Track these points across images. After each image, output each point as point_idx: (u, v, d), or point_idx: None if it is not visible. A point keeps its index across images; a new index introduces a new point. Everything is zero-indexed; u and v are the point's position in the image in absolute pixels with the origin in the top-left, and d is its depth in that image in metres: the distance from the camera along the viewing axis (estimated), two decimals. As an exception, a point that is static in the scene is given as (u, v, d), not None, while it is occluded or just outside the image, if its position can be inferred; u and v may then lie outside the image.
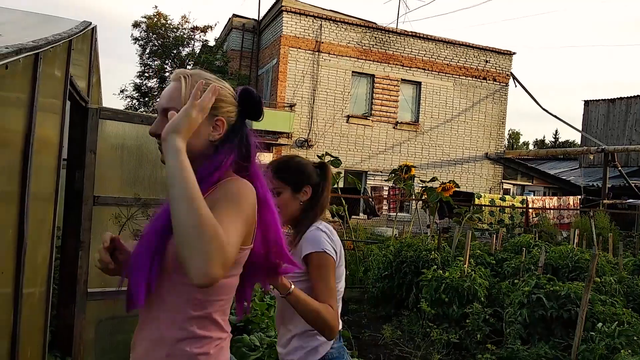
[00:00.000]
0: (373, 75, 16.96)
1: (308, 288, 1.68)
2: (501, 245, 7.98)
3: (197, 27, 20.50)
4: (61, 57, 2.41)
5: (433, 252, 6.04)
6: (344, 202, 8.11)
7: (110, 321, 3.30)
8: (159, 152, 1.18)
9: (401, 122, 17.31)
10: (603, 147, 16.07)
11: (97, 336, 3.32)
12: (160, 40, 20.06)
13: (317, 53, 16.23)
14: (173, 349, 1.17)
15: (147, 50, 20.34)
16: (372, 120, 16.95)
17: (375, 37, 16.97)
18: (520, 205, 14.48)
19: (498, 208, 14.19)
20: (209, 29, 20.73)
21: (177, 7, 58.09)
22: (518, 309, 4.67)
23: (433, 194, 8.31)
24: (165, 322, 1.18)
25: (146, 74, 20.72)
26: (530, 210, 14.41)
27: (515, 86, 18.76)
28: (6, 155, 1.76)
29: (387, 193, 14.96)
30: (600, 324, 4.10)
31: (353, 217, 11.02)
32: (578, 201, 15.57)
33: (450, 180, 8.64)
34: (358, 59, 16.74)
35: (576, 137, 43.78)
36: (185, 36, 20.18)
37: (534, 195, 17.44)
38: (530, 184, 19.19)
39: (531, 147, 47.66)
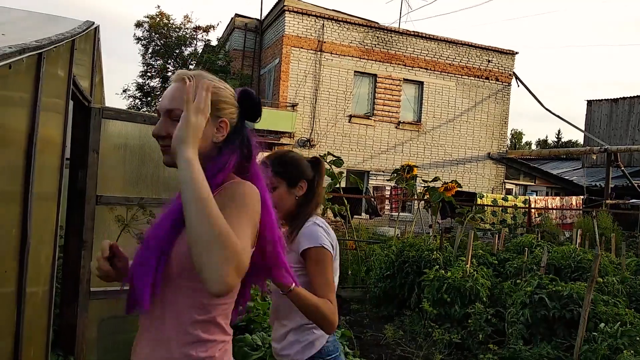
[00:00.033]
0: (375, 75, 16.96)
1: (306, 282, 1.69)
2: (503, 245, 7.97)
3: (199, 26, 20.55)
4: (64, 57, 2.42)
5: (435, 252, 6.03)
6: (346, 202, 8.10)
7: (113, 320, 3.31)
8: (161, 153, 1.18)
9: (403, 122, 17.30)
10: (606, 147, 16.03)
11: (100, 335, 3.33)
12: (162, 40, 20.10)
13: (319, 53, 16.23)
14: (178, 353, 1.17)
15: (150, 50, 20.39)
16: (375, 120, 16.94)
17: (378, 37, 16.96)
18: (522, 205, 14.45)
19: (500, 208, 14.17)
20: (212, 28, 20.78)
21: (180, 6, 58.17)
22: (520, 309, 4.67)
23: (435, 193, 8.30)
24: (169, 327, 1.18)
25: (149, 74, 20.77)
26: (532, 210, 14.38)
27: (518, 86, 18.74)
28: (10, 154, 1.77)
29: (389, 193, 14.96)
30: (602, 325, 4.09)
31: (355, 217, 11.02)
32: (581, 201, 15.55)
33: (453, 180, 8.63)
34: (360, 58, 16.73)
35: (579, 137, 43.76)
36: (187, 36, 20.21)
37: (537, 195, 17.41)
38: (533, 184, 19.16)
39: (534, 147, 47.60)
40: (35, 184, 1.94)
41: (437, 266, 5.61)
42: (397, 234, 8.91)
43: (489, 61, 18.28)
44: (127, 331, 3.11)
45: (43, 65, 1.90)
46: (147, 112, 15.76)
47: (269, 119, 15.21)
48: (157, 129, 1.21)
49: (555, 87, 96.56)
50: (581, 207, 14.90)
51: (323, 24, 16.27)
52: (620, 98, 21.05)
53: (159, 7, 27.40)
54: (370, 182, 16.58)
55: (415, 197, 9.84)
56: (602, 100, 21.81)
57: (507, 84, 18.56)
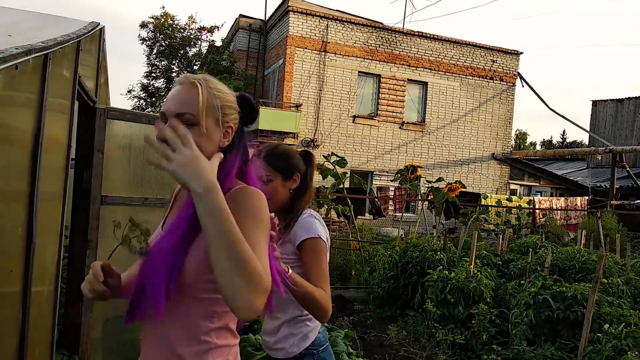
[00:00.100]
0: (379, 75, 16.95)
1: (301, 274, 1.70)
2: (507, 246, 7.95)
3: (204, 27, 20.60)
4: (70, 58, 2.43)
5: (439, 253, 6.02)
6: (349, 202, 8.11)
7: (118, 320, 3.32)
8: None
9: (407, 122, 17.28)
10: (611, 147, 15.96)
11: (104, 335, 3.35)
12: (167, 41, 20.16)
13: (323, 53, 16.23)
14: None
15: (155, 51, 20.45)
16: (378, 121, 16.93)
17: (382, 37, 16.95)
18: (527, 206, 14.41)
19: (504, 209, 14.13)
20: (216, 29, 20.84)
21: (184, 7, 58.29)
22: (524, 310, 4.66)
23: (439, 194, 8.29)
24: (182, 336, 1.18)
25: (153, 74, 20.83)
26: (537, 211, 14.33)
27: (523, 86, 18.68)
28: (16, 154, 1.78)
29: (393, 193, 14.95)
30: (607, 326, 4.07)
31: (359, 217, 11.02)
32: (585, 202, 15.48)
33: (457, 181, 8.61)
34: (364, 59, 16.72)
35: (584, 138, 43.53)
36: (192, 36, 20.27)
37: (541, 195, 17.35)
38: (537, 184, 19.10)
39: (538, 147, 47.41)
40: (41, 184, 1.95)
41: (441, 267, 5.60)
42: (401, 235, 8.91)
43: (493, 61, 18.24)
44: (131, 331, 3.12)
45: (49, 66, 1.92)
46: (151, 113, 15.79)
47: (273, 120, 15.23)
48: (165, 132, 1.18)
49: (559, 87, 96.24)
50: (586, 208, 14.84)
51: (327, 25, 16.28)
52: (625, 98, 20.95)
53: (163, 7, 27.51)
54: (374, 182, 16.57)
55: (419, 198, 9.83)
56: (607, 100, 21.72)
57: (511, 84, 18.51)
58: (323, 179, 7.90)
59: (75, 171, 3.21)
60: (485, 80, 18.16)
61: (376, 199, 13.91)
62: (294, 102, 16.00)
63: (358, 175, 10.98)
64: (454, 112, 17.82)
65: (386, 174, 16.47)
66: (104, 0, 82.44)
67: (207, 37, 20.73)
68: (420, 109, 17.61)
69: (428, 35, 17.40)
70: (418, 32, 17.38)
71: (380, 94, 16.96)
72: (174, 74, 20.05)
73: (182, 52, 20.29)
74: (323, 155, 7.88)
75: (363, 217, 13.30)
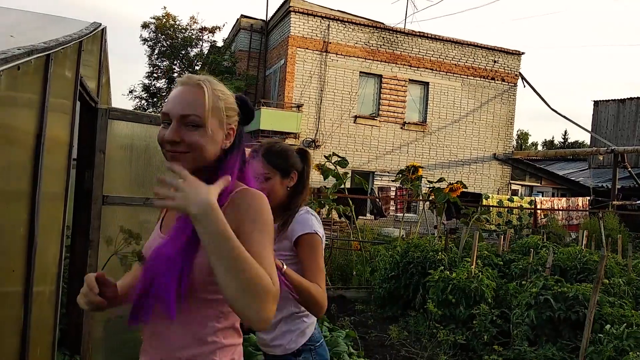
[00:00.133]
0: (380, 76, 16.95)
1: (297, 270, 1.71)
2: (509, 247, 7.94)
3: (205, 27, 20.64)
4: (72, 58, 2.43)
5: (440, 253, 6.02)
6: (350, 203, 8.10)
7: (119, 320, 3.32)
8: (169, 159, 1.19)
9: (409, 123, 17.28)
10: (613, 147, 15.94)
11: (106, 335, 3.35)
12: (168, 41, 20.18)
13: (324, 53, 16.24)
14: None
15: (156, 51, 20.48)
16: (380, 121, 16.93)
17: (383, 37, 16.95)
18: (528, 206, 14.40)
19: (506, 209, 14.11)
20: (217, 29, 20.87)
21: (186, 8, 58.37)
22: (525, 310, 4.65)
23: (440, 194, 8.29)
24: (190, 336, 1.18)
25: (155, 75, 20.87)
26: (538, 211, 14.32)
27: (524, 86, 18.68)
28: (18, 154, 1.78)
29: (394, 193, 14.95)
30: (608, 326, 4.07)
31: (360, 217, 11.02)
32: (587, 202, 15.46)
33: (458, 181, 8.61)
34: (365, 59, 16.72)
35: (585, 138, 43.50)
36: (193, 37, 20.29)
37: (543, 196, 17.34)
38: (539, 184, 19.08)
39: (540, 147, 47.37)
40: (43, 184, 1.96)
41: (442, 267, 5.60)
42: (402, 235, 8.90)
43: (494, 61, 18.23)
44: (132, 331, 3.13)
45: (51, 66, 1.92)
46: (153, 113, 15.82)
47: (274, 120, 15.25)
48: (171, 134, 1.16)
49: (561, 87, 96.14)
50: (587, 208, 14.82)
51: (328, 25, 16.28)
52: (627, 98, 20.92)
53: (165, 8, 27.55)
54: (375, 182, 16.57)
55: (421, 198, 9.82)
56: (609, 100, 21.69)
57: (513, 85, 18.49)
58: (324, 179, 7.90)
59: (77, 171, 3.22)
60: (486, 80, 18.15)
61: (377, 199, 13.91)
62: (295, 103, 16.00)
63: (359, 176, 10.99)
64: (455, 113, 17.82)
65: (387, 174, 16.47)
66: (105, 0, 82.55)
67: (208, 37, 20.78)
68: (422, 109, 17.60)
69: (429, 36, 17.40)
70: (419, 32, 17.38)
71: (381, 94, 16.96)
72: (176, 75, 20.08)
73: (183, 52, 20.32)
74: (324, 156, 7.88)
75: (364, 218, 13.31)
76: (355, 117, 16.63)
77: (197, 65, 19.90)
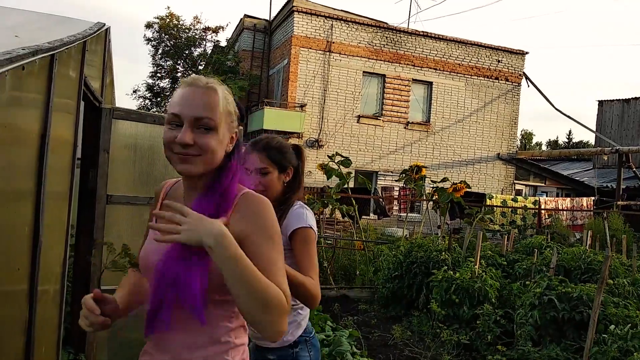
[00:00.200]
0: (384, 75, 16.93)
1: (292, 264, 1.72)
2: (513, 247, 7.92)
3: (209, 27, 20.64)
4: (76, 58, 2.44)
5: (444, 253, 6.01)
6: (354, 202, 8.09)
7: (123, 319, 3.33)
8: (179, 161, 1.19)
9: (412, 122, 17.26)
10: (617, 147, 15.88)
11: (110, 333, 3.36)
12: (172, 41, 20.21)
13: (328, 53, 16.24)
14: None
15: (160, 51, 20.51)
16: (383, 121, 16.91)
17: (387, 37, 16.93)
18: (532, 206, 14.35)
19: (510, 209, 14.08)
20: (221, 29, 20.86)
21: (189, 8, 58.52)
22: (529, 310, 4.64)
23: (444, 194, 8.27)
24: (203, 337, 1.19)
25: (158, 75, 20.90)
26: (542, 211, 14.28)
27: (528, 86, 18.64)
28: (22, 154, 1.79)
29: (397, 193, 14.94)
30: (612, 326, 4.05)
31: (363, 217, 11.01)
32: (591, 202, 15.41)
33: (462, 181, 8.59)
34: (369, 59, 16.71)
35: (590, 138, 43.32)
36: (197, 37, 20.31)
37: (547, 196, 17.29)
38: (543, 184, 19.03)
39: (544, 147, 47.23)
40: (47, 183, 1.97)
41: (446, 267, 5.59)
42: (406, 235, 8.89)
43: (498, 61, 18.18)
44: (137, 330, 3.14)
45: (55, 66, 1.93)
46: (157, 113, 15.86)
47: (278, 120, 15.25)
48: (184, 136, 1.14)
49: (565, 87, 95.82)
50: (592, 209, 14.77)
51: (332, 25, 16.28)
52: (632, 98, 20.83)
53: (168, 8, 27.60)
54: (378, 182, 16.56)
55: (424, 198, 9.81)
56: (613, 100, 21.61)
57: (517, 84, 18.44)
58: (328, 179, 7.90)
59: (81, 171, 3.23)
60: (490, 80, 18.11)
61: (381, 199, 13.90)
62: (299, 102, 16.01)
63: (363, 175, 10.98)
64: (459, 112, 17.78)
65: (391, 174, 16.45)
66: (109, 1, 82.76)
67: (212, 37, 20.78)
68: (425, 109, 17.58)
69: (433, 35, 17.37)
70: (423, 32, 17.36)
71: (385, 94, 16.94)
72: (179, 74, 20.11)
73: (187, 52, 20.34)
74: (327, 155, 7.88)
75: (367, 217, 13.29)
76: (359, 116, 16.62)
77: (201, 65, 19.92)
